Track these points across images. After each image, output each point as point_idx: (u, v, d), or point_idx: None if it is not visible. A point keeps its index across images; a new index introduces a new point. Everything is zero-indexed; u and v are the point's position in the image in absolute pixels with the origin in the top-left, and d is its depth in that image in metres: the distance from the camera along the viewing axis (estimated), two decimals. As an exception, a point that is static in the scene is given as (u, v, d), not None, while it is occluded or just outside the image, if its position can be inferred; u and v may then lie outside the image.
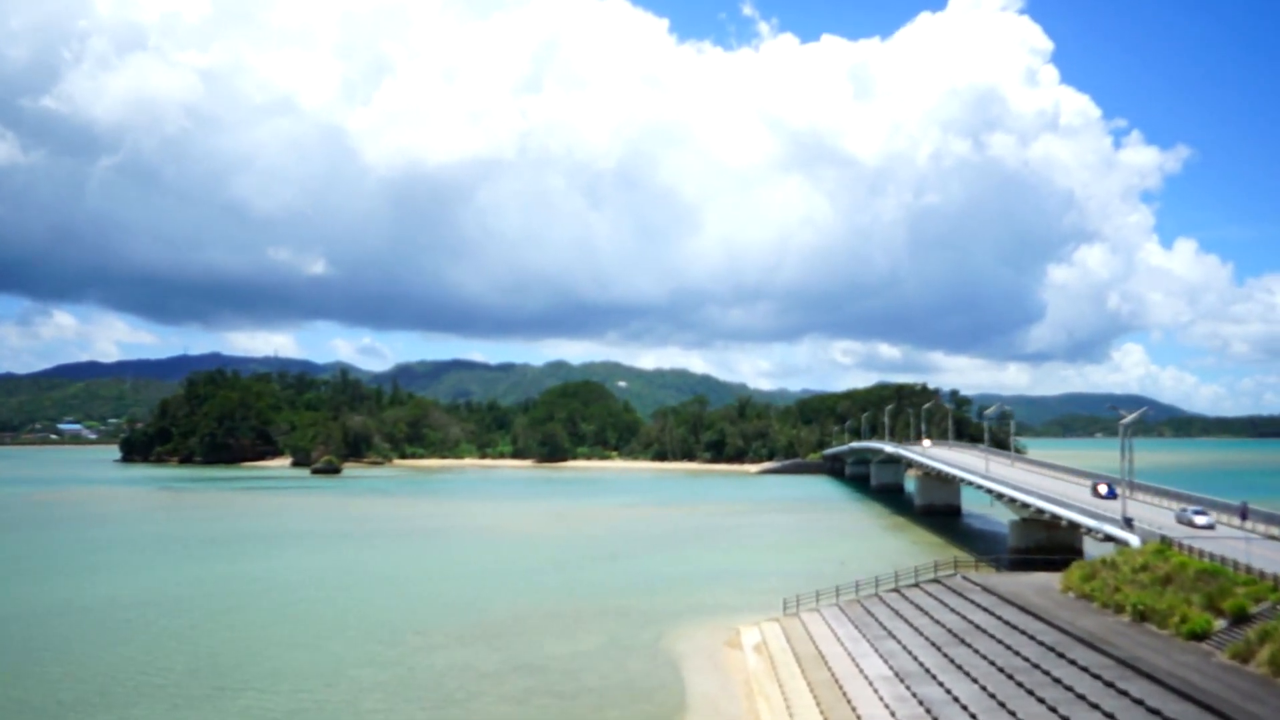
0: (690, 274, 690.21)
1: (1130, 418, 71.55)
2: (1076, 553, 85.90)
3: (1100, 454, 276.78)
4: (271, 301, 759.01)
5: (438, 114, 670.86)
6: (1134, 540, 62.85)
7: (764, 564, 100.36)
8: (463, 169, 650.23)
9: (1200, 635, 47.10)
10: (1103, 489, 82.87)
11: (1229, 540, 60.43)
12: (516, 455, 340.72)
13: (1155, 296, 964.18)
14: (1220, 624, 47.22)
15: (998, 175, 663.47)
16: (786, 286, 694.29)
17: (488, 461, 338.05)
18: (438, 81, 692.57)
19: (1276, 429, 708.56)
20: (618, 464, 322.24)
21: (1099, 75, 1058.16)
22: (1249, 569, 50.27)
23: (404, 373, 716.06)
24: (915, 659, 54.00)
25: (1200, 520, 67.55)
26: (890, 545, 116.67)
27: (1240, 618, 46.36)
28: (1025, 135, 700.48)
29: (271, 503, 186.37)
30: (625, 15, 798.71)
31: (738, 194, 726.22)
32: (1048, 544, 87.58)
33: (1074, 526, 77.69)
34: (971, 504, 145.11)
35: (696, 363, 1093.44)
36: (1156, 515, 73.93)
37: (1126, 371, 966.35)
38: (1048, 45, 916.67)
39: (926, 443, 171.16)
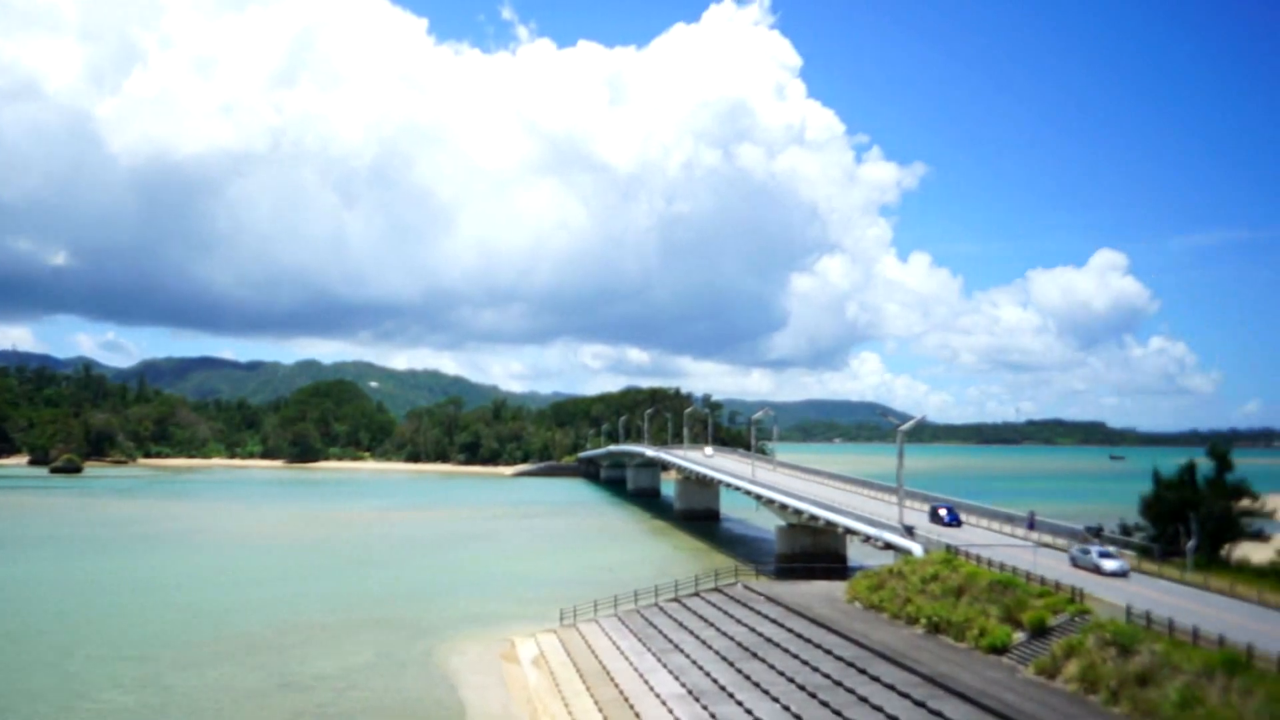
0: (444, 275, 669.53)
1: (908, 425, 70.51)
2: (843, 559, 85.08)
3: (843, 458, 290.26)
4: (9, 293, 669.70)
5: (189, 105, 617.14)
6: (916, 549, 60.99)
7: (531, 570, 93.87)
8: (214, 162, 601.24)
9: (1000, 649, 44.75)
10: (943, 513, 73.85)
11: (1010, 549, 59.58)
12: (266, 455, 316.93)
13: (891, 307, 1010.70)
14: (1019, 636, 45.06)
15: (746, 186, 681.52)
16: (539, 289, 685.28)
17: (237, 461, 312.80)
18: (190, 72, 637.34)
19: (999, 435, 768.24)
20: (371, 465, 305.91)
21: (844, 92, 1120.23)
22: (1042, 580, 48.63)
23: (150, 369, 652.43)
24: (708, 675, 49.05)
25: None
26: (654, 550, 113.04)
27: (1040, 630, 44.31)
28: (773, 147, 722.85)
29: (5, 503, 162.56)
30: (384, 13, 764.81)
31: (493, 196, 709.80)
32: (814, 550, 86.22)
33: (848, 533, 75.87)
34: (730, 508, 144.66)
35: (448, 364, 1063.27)
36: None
37: (863, 379, 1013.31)
38: (797, 61, 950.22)
39: (709, 450, 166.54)
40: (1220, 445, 71.06)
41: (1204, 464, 67.63)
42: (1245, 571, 58.58)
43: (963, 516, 75.08)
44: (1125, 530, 71.34)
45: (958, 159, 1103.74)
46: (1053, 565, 53.60)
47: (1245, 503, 65.49)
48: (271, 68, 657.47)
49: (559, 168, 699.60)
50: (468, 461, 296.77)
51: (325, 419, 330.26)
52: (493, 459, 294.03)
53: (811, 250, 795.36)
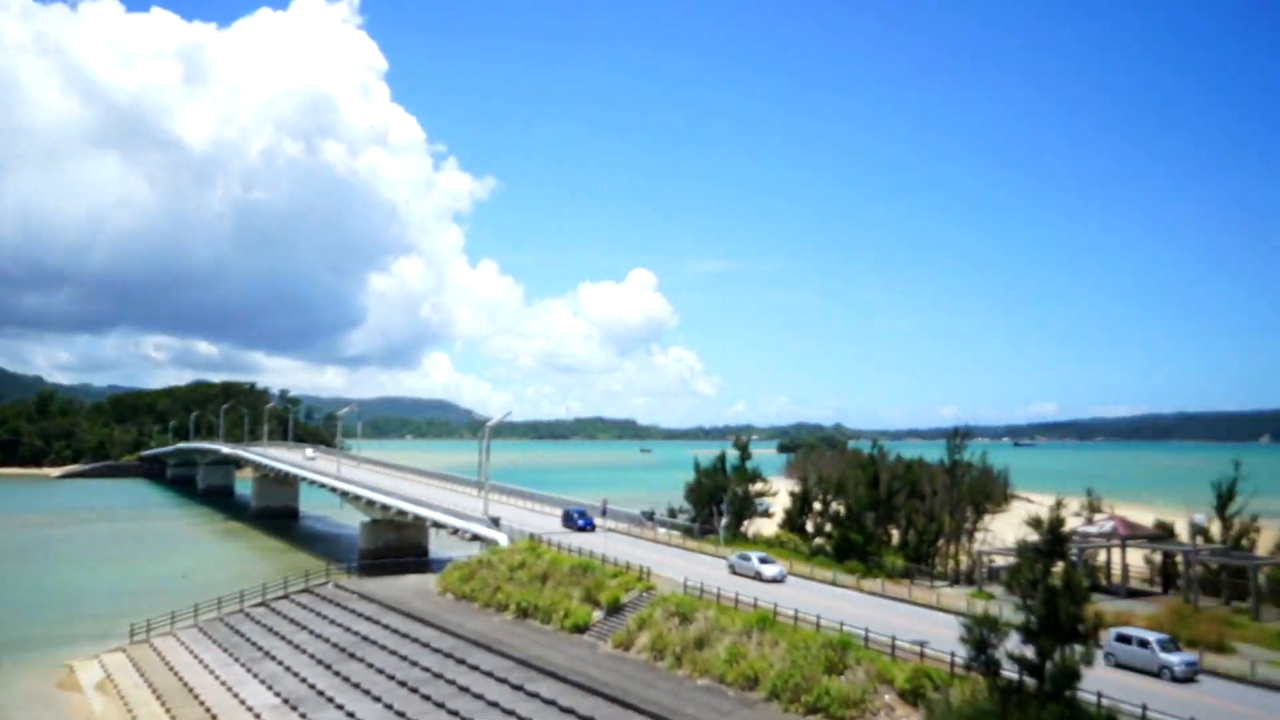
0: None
1: (493, 421, 70.81)
2: (426, 552, 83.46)
3: (416, 453, 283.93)
4: None
5: None
6: (502, 539, 61.33)
7: (90, 583, 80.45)
8: None
9: (582, 628, 46.32)
10: (577, 516, 68.95)
11: (587, 536, 61.83)
12: None
13: (461, 310, 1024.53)
14: (598, 615, 46.94)
15: (328, 181, 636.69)
16: (94, 272, 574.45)
17: None
18: None
19: (552, 432, 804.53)
20: None
21: (425, 101, 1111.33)
22: (615, 561, 51.07)
23: None
24: (304, 681, 45.17)
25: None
26: (231, 553, 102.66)
27: (615, 608, 46.52)
28: (356, 146, 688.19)
29: None
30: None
31: (41, 164, 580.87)
32: (399, 544, 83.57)
33: (436, 526, 74.36)
34: (310, 506, 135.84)
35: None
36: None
37: (433, 378, 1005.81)
38: (382, 64, 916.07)
39: (310, 452, 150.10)
40: (742, 438, 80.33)
41: (731, 455, 76.02)
42: (759, 543, 66.67)
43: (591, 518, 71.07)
44: (672, 513, 77.98)
45: (524, 175, 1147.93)
46: (624, 549, 56.62)
47: (759, 486, 74.59)
48: None
49: (123, 141, 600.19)
50: (5, 462, 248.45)
51: None
52: (36, 459, 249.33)
53: (389, 251, 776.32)
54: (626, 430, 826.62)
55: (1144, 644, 34.70)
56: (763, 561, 51.63)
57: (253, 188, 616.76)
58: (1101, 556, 54.94)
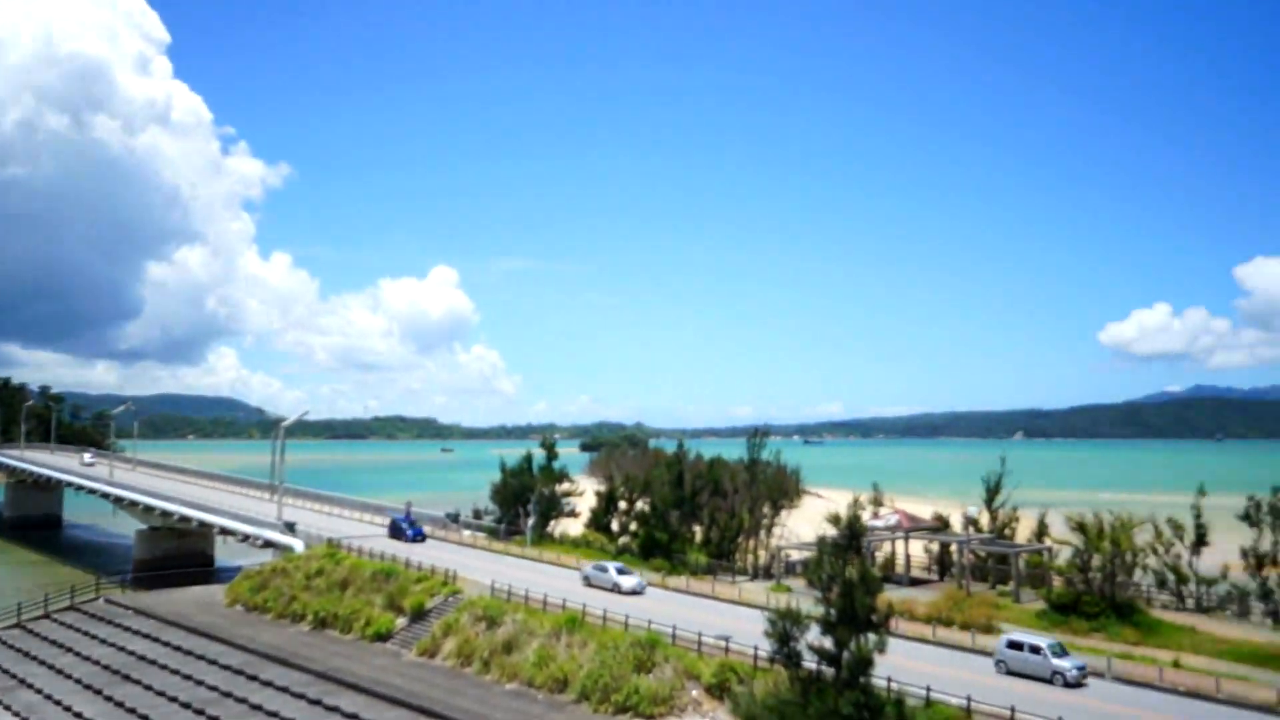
0: None
1: (290, 420, 66.89)
2: (211, 561, 77.64)
3: (200, 455, 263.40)
4: None
5: None
6: (298, 545, 57.85)
7: None
8: None
9: (385, 636, 44.47)
10: (405, 527, 63.05)
11: (388, 541, 59.38)
12: None
13: (251, 303, 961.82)
14: (402, 622, 45.20)
15: (99, 159, 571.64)
16: None
17: None
18: None
19: (349, 430, 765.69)
20: None
21: (214, 80, 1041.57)
22: (420, 566, 49.34)
23: None
24: (68, 709, 40.69)
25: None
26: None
27: (420, 614, 44.97)
28: (133, 123, 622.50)
29: None
30: None
31: None
32: (180, 553, 77.39)
33: (224, 533, 69.18)
34: (76, 514, 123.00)
35: None
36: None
37: (219, 374, 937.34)
38: (164, 36, 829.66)
39: (88, 457, 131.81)
40: (549, 438, 79.81)
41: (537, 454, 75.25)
42: (565, 543, 66.55)
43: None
44: (477, 514, 76.44)
45: (322, 165, 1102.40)
46: (428, 553, 54.85)
47: (565, 486, 74.41)
48: None
49: None
50: None
51: None
52: None
53: (171, 238, 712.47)
54: (427, 429, 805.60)
55: (1035, 650, 34.01)
56: (620, 573, 48.62)
57: (7, 163, 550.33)
58: (887, 547, 58.61)
